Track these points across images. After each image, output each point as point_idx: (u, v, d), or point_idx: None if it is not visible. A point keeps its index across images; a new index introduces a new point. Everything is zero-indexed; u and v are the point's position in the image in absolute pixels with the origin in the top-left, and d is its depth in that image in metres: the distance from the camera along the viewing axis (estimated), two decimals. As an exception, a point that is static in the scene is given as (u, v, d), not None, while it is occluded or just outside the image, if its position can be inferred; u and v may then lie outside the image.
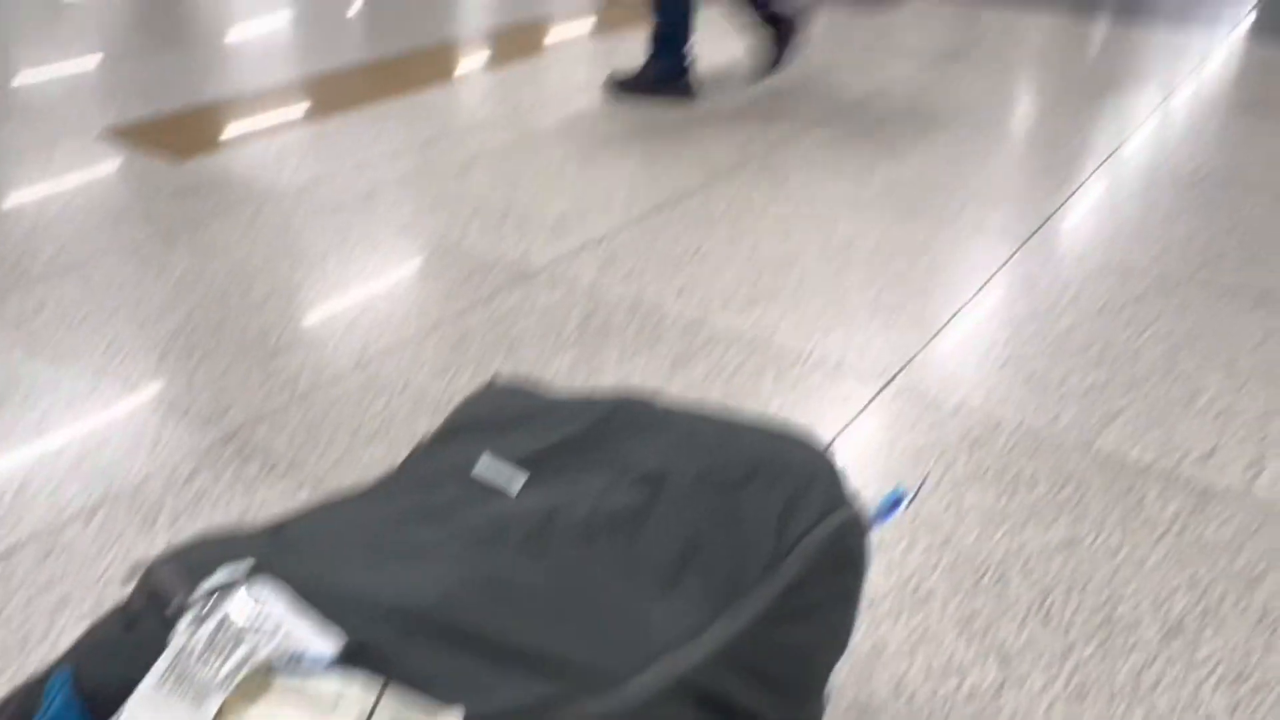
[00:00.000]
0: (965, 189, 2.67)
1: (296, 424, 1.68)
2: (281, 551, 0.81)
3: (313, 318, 2.01)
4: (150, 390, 1.77)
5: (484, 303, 2.07)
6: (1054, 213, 2.55)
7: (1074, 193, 2.67)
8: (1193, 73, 3.87)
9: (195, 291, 2.08)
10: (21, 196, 2.49)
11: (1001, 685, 1.25)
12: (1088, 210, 2.60)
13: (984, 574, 1.42)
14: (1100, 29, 4.76)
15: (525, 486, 0.93)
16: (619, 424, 1.02)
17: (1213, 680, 1.27)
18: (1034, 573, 1.42)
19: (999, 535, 1.49)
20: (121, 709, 0.70)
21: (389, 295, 2.10)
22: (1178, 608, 1.37)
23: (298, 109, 3.20)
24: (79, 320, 1.97)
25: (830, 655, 0.97)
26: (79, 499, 1.51)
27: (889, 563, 1.43)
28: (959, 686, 1.25)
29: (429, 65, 3.71)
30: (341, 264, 2.22)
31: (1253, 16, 4.80)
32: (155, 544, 1.43)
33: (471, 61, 3.77)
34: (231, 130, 3.02)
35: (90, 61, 3.52)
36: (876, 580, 1.40)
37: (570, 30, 4.25)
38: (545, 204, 2.52)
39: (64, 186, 2.55)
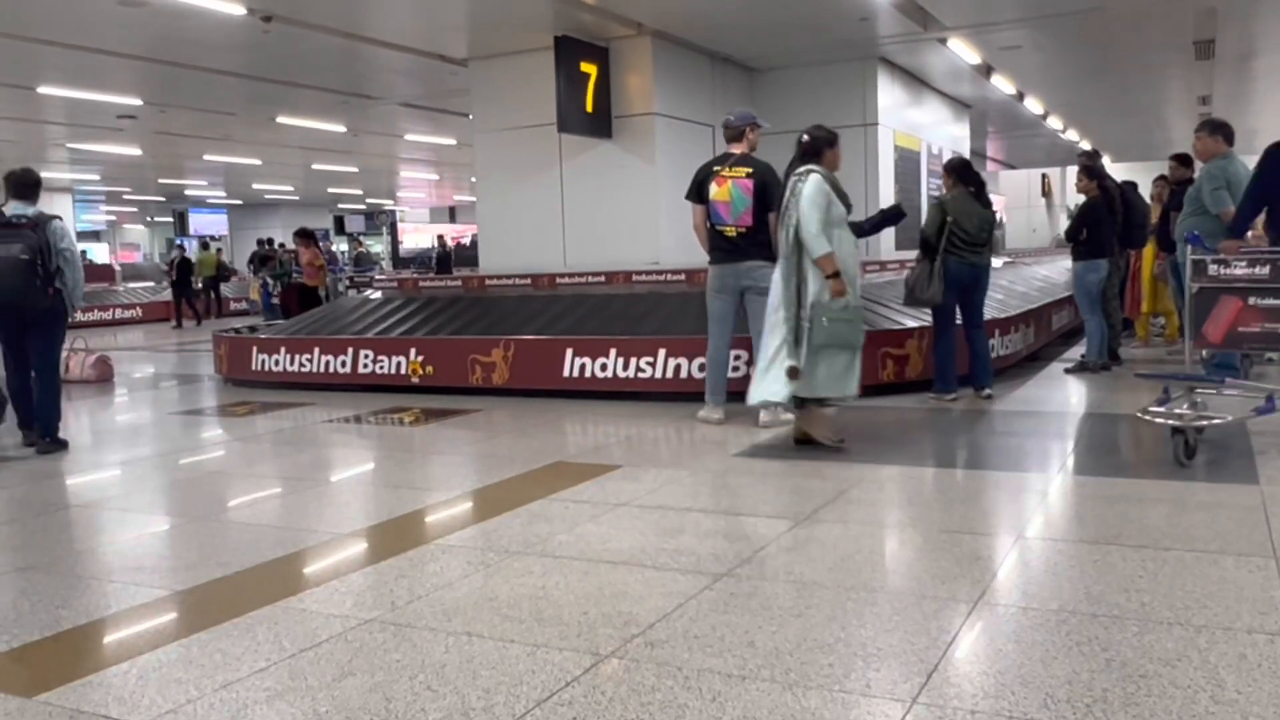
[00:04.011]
0: (848, 649, 2.68)
1: None
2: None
3: None
4: None
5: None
6: (938, 664, 2.56)
7: (952, 641, 2.72)
8: (1037, 509, 4.17)
9: None
10: None
11: None
12: (969, 658, 2.63)
13: None
14: (945, 474, 5.16)
15: None
16: None
17: None
18: None
19: None
20: None
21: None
22: None
23: (162, 627, 3.08)
24: None
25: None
26: None
27: None
28: None
29: (294, 569, 3.70)
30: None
31: (1072, 457, 5.30)
32: None
33: (349, 559, 3.77)
34: (87, 657, 2.86)
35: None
36: None
37: (446, 518, 4.35)
38: (425, 704, 2.41)
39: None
